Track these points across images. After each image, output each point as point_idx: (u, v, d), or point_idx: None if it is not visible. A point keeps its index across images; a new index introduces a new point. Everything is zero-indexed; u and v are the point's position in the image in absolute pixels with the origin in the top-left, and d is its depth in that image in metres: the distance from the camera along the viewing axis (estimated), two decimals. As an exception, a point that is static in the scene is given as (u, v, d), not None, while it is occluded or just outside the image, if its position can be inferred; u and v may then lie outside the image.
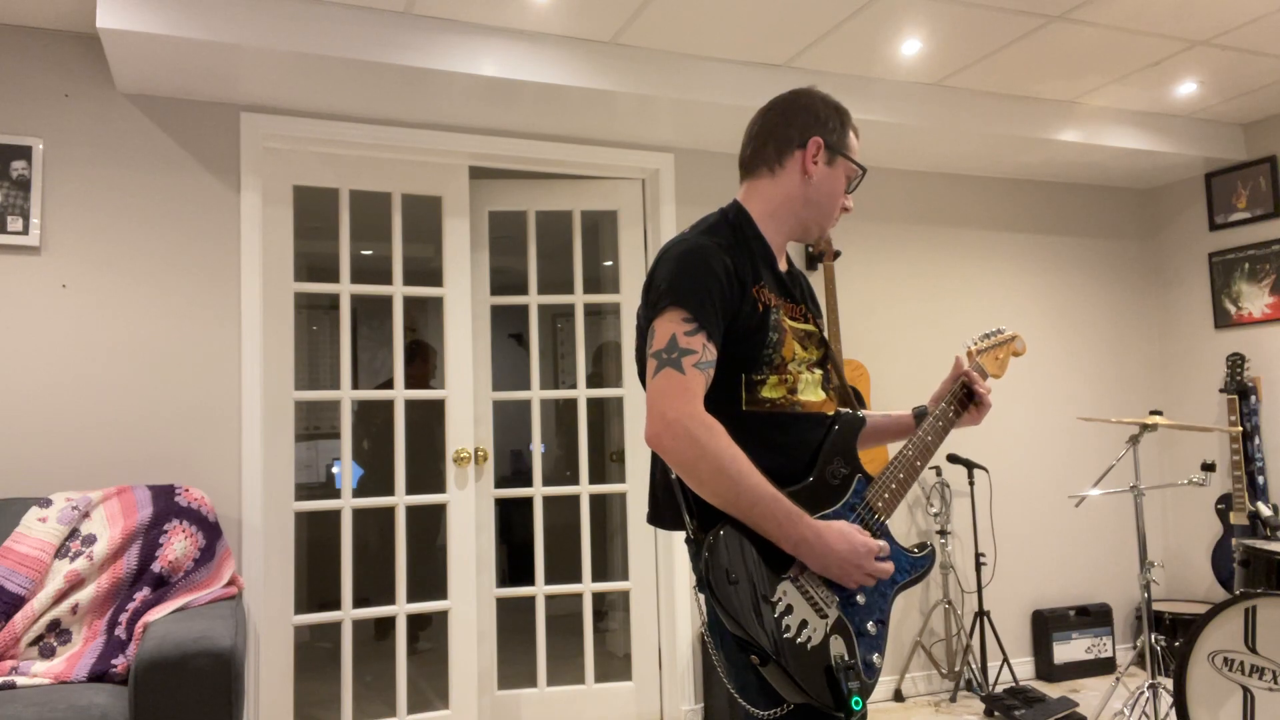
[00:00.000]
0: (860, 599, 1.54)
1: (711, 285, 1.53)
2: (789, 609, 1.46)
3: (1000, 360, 1.90)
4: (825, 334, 1.74)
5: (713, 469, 1.46)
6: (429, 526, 5.21)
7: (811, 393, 1.65)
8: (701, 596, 1.47)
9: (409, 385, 4.92)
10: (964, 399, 1.78)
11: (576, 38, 3.31)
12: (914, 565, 1.63)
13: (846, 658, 1.47)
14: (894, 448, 3.93)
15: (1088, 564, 4.62)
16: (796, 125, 1.67)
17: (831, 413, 1.69)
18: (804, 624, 1.46)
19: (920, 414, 1.84)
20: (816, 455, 1.60)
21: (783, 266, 1.72)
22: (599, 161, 3.83)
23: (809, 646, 1.45)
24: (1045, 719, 3.56)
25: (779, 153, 1.68)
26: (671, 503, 1.60)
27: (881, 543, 1.54)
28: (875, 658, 1.53)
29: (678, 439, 1.47)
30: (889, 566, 1.54)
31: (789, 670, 1.42)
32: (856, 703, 1.44)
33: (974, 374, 1.79)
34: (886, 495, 1.63)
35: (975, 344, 1.87)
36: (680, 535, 3.78)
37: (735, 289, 1.56)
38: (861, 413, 1.78)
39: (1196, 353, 4.72)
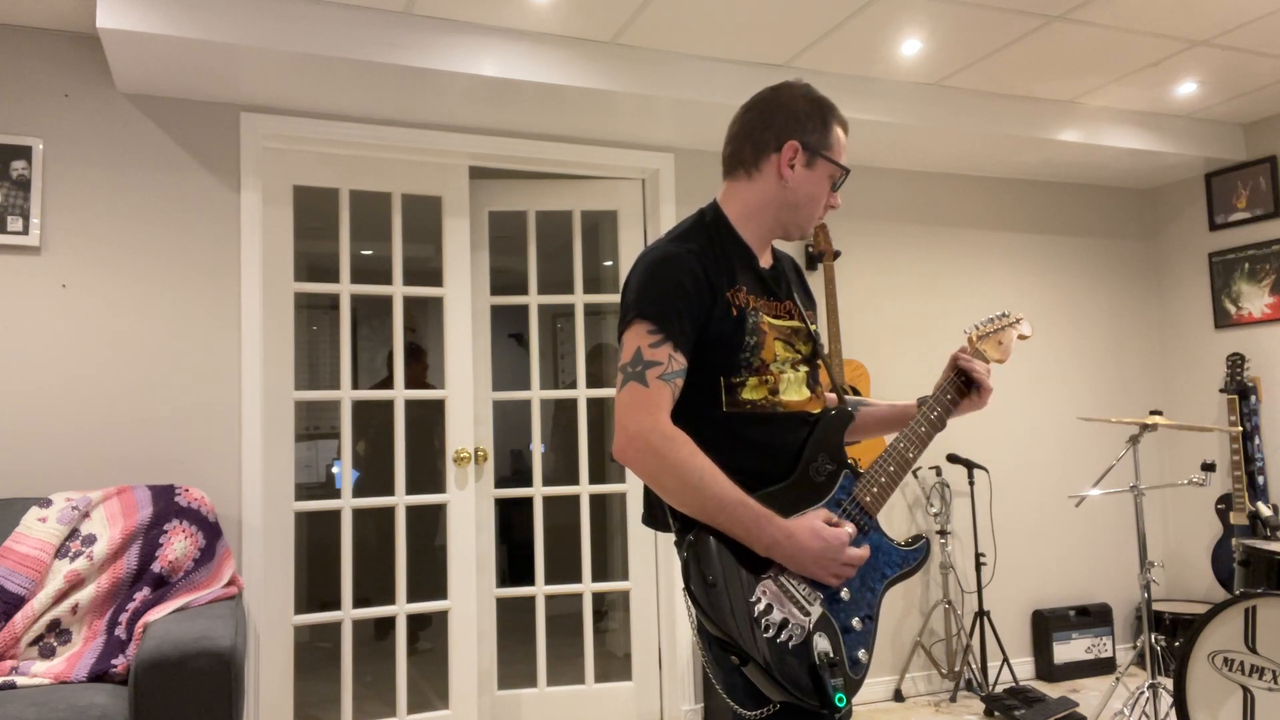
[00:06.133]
0: (845, 594, 1.52)
1: (677, 295, 1.52)
2: (769, 608, 1.45)
3: (1003, 345, 1.85)
4: (814, 326, 1.71)
5: (676, 480, 1.46)
6: (429, 526, 5.21)
7: (795, 392, 1.63)
8: (687, 599, 1.47)
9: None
10: (962, 386, 1.74)
11: (576, 38, 3.31)
12: (905, 559, 1.61)
13: (831, 654, 1.46)
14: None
15: (1088, 564, 4.62)
16: (773, 127, 1.63)
17: (817, 411, 1.66)
18: (785, 623, 1.45)
19: (924, 404, 1.80)
20: (800, 454, 1.58)
21: (766, 263, 1.69)
22: (599, 161, 3.83)
23: (790, 645, 1.44)
24: (1045, 719, 3.56)
25: (755, 155, 1.64)
26: (662, 504, 1.60)
27: (850, 529, 1.52)
28: (862, 654, 1.51)
29: (640, 452, 1.47)
30: (864, 552, 1.52)
31: (770, 670, 1.41)
32: (840, 699, 1.43)
33: (969, 359, 1.73)
34: (875, 489, 1.60)
35: (976, 330, 1.84)
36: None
37: (705, 296, 1.54)
38: (863, 401, 1.76)
39: (1196, 353, 4.72)
